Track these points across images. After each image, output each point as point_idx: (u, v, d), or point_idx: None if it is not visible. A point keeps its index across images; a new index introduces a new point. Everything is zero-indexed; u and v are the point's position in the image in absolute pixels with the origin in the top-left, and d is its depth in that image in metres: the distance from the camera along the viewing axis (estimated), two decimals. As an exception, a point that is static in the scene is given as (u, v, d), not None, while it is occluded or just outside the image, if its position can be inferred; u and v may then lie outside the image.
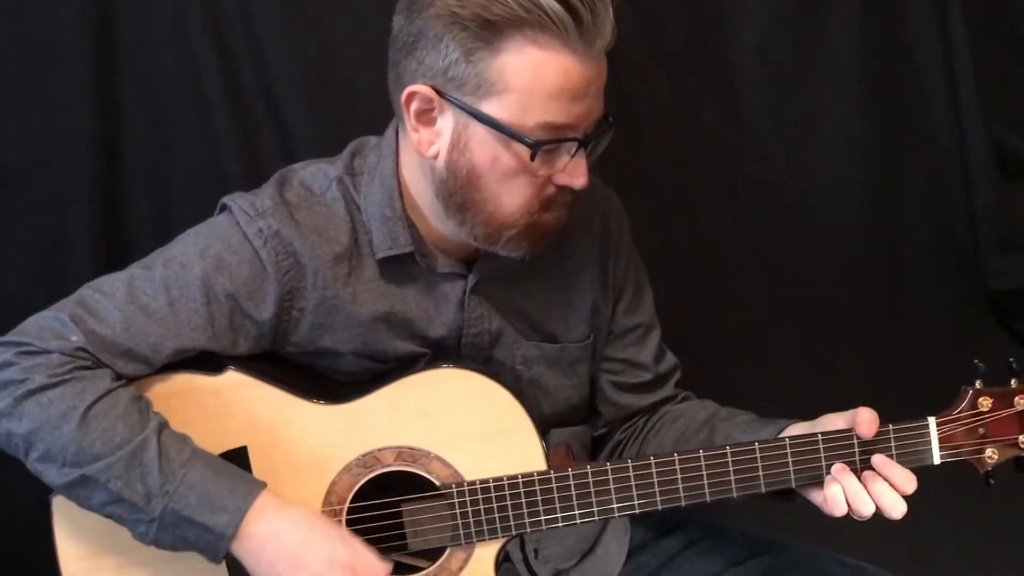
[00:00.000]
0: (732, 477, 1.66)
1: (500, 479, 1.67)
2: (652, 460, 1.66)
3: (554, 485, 1.66)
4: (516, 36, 1.50)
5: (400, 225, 1.69)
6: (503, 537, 1.69)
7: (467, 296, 1.75)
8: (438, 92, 1.57)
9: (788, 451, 1.65)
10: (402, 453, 1.68)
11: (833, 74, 2.64)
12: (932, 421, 1.66)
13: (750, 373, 2.63)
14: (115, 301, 1.63)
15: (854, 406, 1.70)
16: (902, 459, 1.64)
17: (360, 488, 1.69)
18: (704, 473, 1.66)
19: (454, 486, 1.67)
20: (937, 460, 1.67)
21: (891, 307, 2.74)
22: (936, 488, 1.72)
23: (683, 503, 1.67)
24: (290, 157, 2.30)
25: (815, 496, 1.67)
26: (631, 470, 1.66)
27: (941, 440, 1.66)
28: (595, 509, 1.67)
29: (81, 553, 1.68)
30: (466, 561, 1.70)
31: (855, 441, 1.65)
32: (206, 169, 2.38)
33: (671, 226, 2.57)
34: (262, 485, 1.61)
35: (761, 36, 2.58)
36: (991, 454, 1.67)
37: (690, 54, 2.56)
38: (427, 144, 1.62)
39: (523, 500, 1.67)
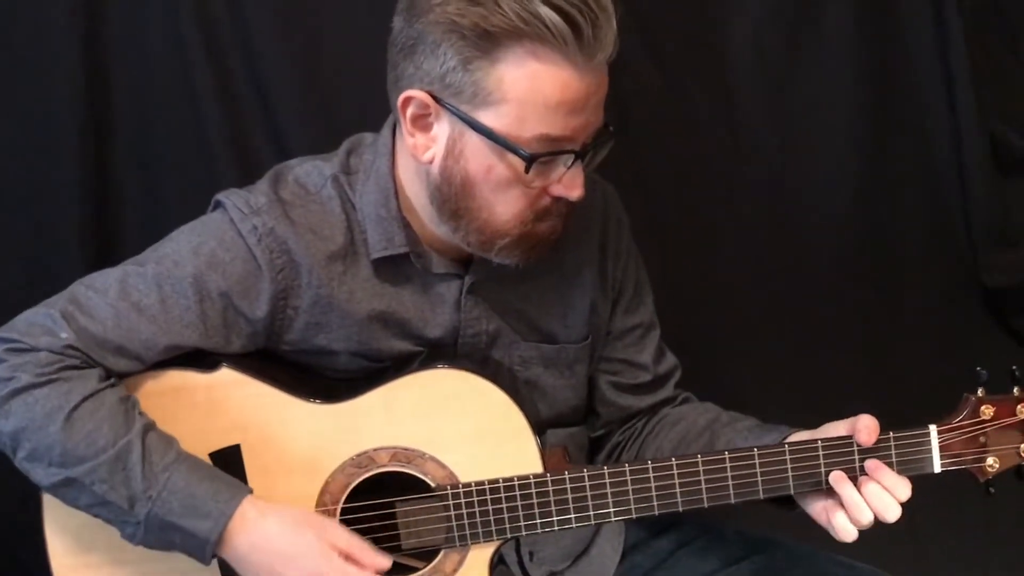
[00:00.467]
0: (730, 483, 1.65)
1: (496, 481, 1.66)
2: (650, 465, 1.65)
3: (550, 488, 1.65)
4: (515, 47, 1.49)
5: (395, 225, 1.68)
6: (498, 539, 1.68)
7: (463, 297, 1.74)
8: (435, 98, 1.55)
9: (787, 457, 1.64)
10: (397, 453, 1.67)
11: (828, 70, 2.62)
12: (933, 429, 1.65)
13: (745, 370, 2.63)
14: (107, 298, 1.61)
15: (849, 404, 1.70)
16: (902, 467, 1.64)
17: (354, 488, 1.68)
18: (702, 478, 1.65)
19: (449, 487, 1.66)
20: (938, 468, 1.65)
21: (887, 304, 2.72)
22: (935, 491, 1.72)
23: (680, 508, 1.66)
24: (281, 153, 2.28)
25: (816, 512, 1.66)
26: (628, 475, 1.65)
27: (942, 448, 1.65)
28: (591, 513, 1.66)
29: (72, 549, 1.67)
30: (460, 563, 1.69)
31: (855, 448, 1.63)
32: (197, 166, 2.36)
33: (665, 223, 2.56)
34: (246, 490, 1.60)
35: (755, 31, 2.55)
36: (992, 463, 1.66)
37: (683, 49, 2.54)
38: (423, 149, 1.60)
39: (519, 503, 1.66)
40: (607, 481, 1.65)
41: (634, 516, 1.66)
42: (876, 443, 1.63)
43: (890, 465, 1.63)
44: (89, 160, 2.33)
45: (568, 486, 1.65)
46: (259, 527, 1.58)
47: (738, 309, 2.65)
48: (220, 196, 1.70)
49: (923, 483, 1.65)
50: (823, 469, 1.64)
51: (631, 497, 1.65)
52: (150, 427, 1.59)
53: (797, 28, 2.58)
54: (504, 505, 1.66)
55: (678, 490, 1.65)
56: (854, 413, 1.67)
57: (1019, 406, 1.65)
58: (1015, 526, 2.58)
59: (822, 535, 1.69)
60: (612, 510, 1.66)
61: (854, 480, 1.62)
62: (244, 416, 1.67)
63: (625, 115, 2.40)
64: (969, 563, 2.57)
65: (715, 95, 2.57)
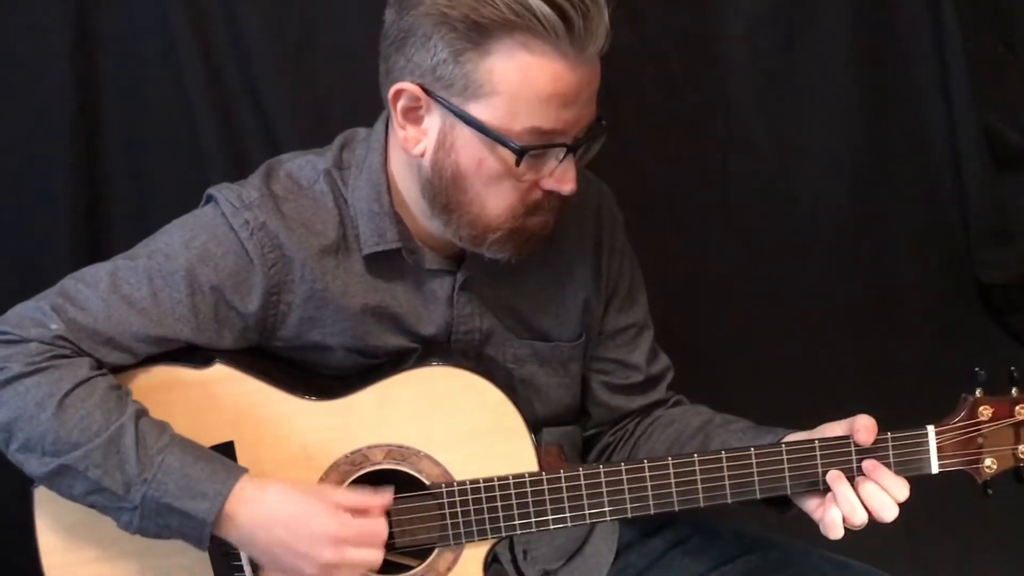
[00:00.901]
0: (727, 482, 1.65)
1: (491, 479, 1.65)
2: (646, 463, 1.64)
3: (546, 487, 1.65)
4: (505, 39, 1.48)
5: (388, 221, 1.67)
6: (493, 538, 1.67)
7: (456, 293, 1.73)
8: (425, 91, 1.55)
9: (784, 457, 1.64)
10: (391, 451, 1.66)
11: (822, 65, 2.61)
12: (931, 429, 1.65)
13: (740, 368, 2.63)
14: (98, 291, 1.61)
15: (845, 402, 1.70)
16: (900, 467, 1.63)
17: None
18: (699, 478, 1.64)
19: (444, 485, 1.66)
20: (935, 469, 1.65)
21: (881, 300, 2.72)
22: (932, 492, 1.71)
23: (676, 508, 1.65)
24: (272, 148, 2.27)
25: (811, 508, 1.66)
26: (624, 473, 1.64)
27: (940, 449, 1.64)
28: (586, 512, 1.66)
29: (63, 546, 1.66)
30: (454, 561, 1.69)
31: (852, 448, 1.63)
32: (188, 161, 2.35)
33: (659, 220, 2.55)
34: (243, 469, 1.58)
35: (749, 26, 2.55)
36: (990, 464, 1.65)
37: (677, 44, 2.53)
38: (413, 142, 1.60)
39: (514, 501, 1.65)
40: (603, 480, 1.64)
41: (630, 516, 1.66)
42: (874, 443, 1.62)
43: (888, 466, 1.62)
44: (80, 156, 2.32)
45: (563, 485, 1.65)
46: (261, 503, 1.56)
47: (732, 308, 2.65)
48: (212, 190, 1.70)
49: (920, 483, 1.65)
50: (820, 470, 1.63)
51: (627, 496, 1.65)
52: (143, 412, 1.58)
53: (791, 23, 2.57)
54: (499, 504, 1.65)
55: (674, 490, 1.64)
56: (850, 413, 1.67)
57: (1017, 407, 1.65)
58: (1012, 527, 2.58)
59: (817, 535, 1.69)
60: (607, 509, 1.65)
61: (851, 481, 1.61)
62: (238, 413, 1.65)
63: (619, 110, 2.40)
64: (965, 564, 2.57)
65: (709, 90, 2.57)
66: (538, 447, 1.67)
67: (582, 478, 1.64)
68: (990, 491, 1.67)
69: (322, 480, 1.66)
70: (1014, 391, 1.66)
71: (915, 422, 1.66)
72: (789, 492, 1.65)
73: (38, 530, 1.66)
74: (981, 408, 1.65)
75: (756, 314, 2.65)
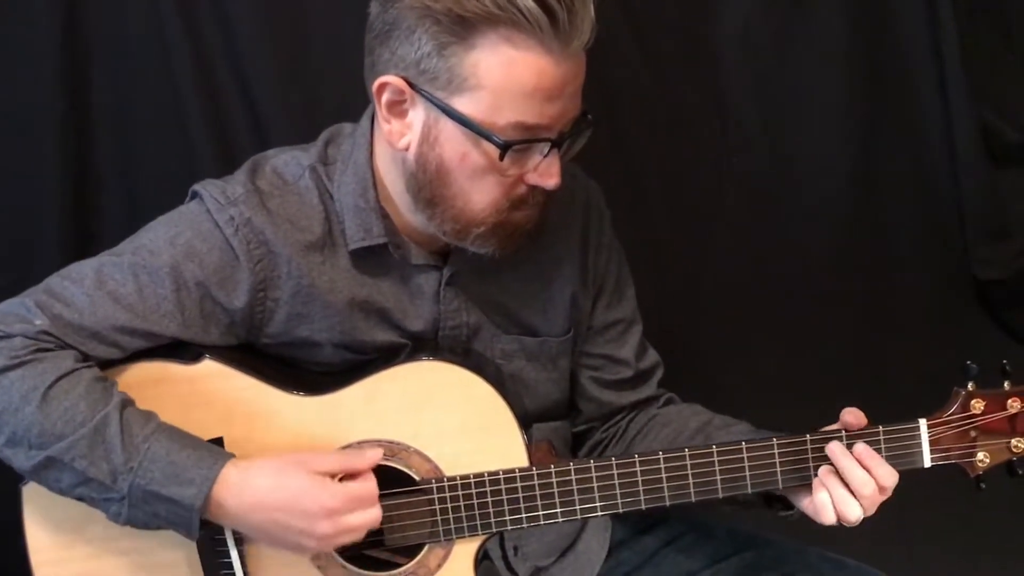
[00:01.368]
0: (718, 477, 1.64)
1: (481, 475, 1.64)
2: (636, 458, 1.64)
3: (536, 483, 1.64)
4: (490, 33, 1.48)
5: (373, 216, 1.67)
6: (483, 534, 1.67)
7: (442, 289, 1.73)
8: (410, 84, 1.54)
9: (776, 451, 1.63)
10: (381, 447, 1.65)
11: (818, 60, 2.62)
12: (923, 423, 1.64)
13: (733, 364, 2.63)
14: (83, 287, 1.60)
15: (839, 397, 1.69)
16: (892, 461, 1.62)
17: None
18: (690, 472, 1.64)
19: (434, 481, 1.65)
20: (928, 463, 1.65)
21: (878, 298, 2.72)
22: (925, 488, 1.70)
23: (667, 503, 1.65)
24: (262, 144, 2.27)
25: (803, 502, 1.65)
26: (615, 468, 1.64)
27: (932, 442, 1.64)
28: (577, 508, 1.65)
29: (51, 544, 1.65)
30: (445, 558, 1.68)
31: (843, 437, 1.63)
32: (178, 158, 2.35)
33: (653, 217, 2.55)
34: (228, 455, 1.57)
35: (745, 22, 2.55)
36: (983, 458, 1.65)
37: (672, 41, 2.53)
38: (398, 135, 1.59)
39: (504, 497, 1.64)
40: (593, 475, 1.64)
41: (621, 511, 1.65)
42: (866, 437, 1.62)
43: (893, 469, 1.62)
44: (69, 152, 2.32)
45: (554, 480, 1.64)
46: (247, 487, 1.55)
47: (729, 305, 2.65)
48: (197, 187, 1.69)
49: (913, 479, 1.64)
50: (811, 464, 1.63)
51: (617, 491, 1.64)
52: (128, 402, 1.57)
53: (787, 19, 2.58)
54: (489, 499, 1.64)
55: (665, 484, 1.64)
56: (845, 406, 1.66)
57: (1010, 400, 1.64)
58: (1006, 522, 2.57)
59: (812, 535, 1.69)
60: (598, 505, 1.65)
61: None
62: (227, 409, 1.65)
63: (613, 108, 2.39)
64: (959, 559, 2.56)
65: (704, 87, 2.57)
66: (528, 442, 1.66)
67: (573, 473, 1.64)
68: (983, 485, 1.66)
69: (312, 477, 1.65)
70: (1006, 384, 1.65)
71: (911, 418, 1.65)
72: (781, 487, 1.65)
73: (26, 528, 1.65)
74: (973, 401, 1.64)
75: (753, 311, 2.65)
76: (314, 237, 1.66)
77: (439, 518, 1.65)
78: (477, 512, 1.65)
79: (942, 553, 2.57)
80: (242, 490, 1.54)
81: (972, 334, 2.72)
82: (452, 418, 1.65)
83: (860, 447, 1.61)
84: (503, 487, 1.64)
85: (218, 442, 1.64)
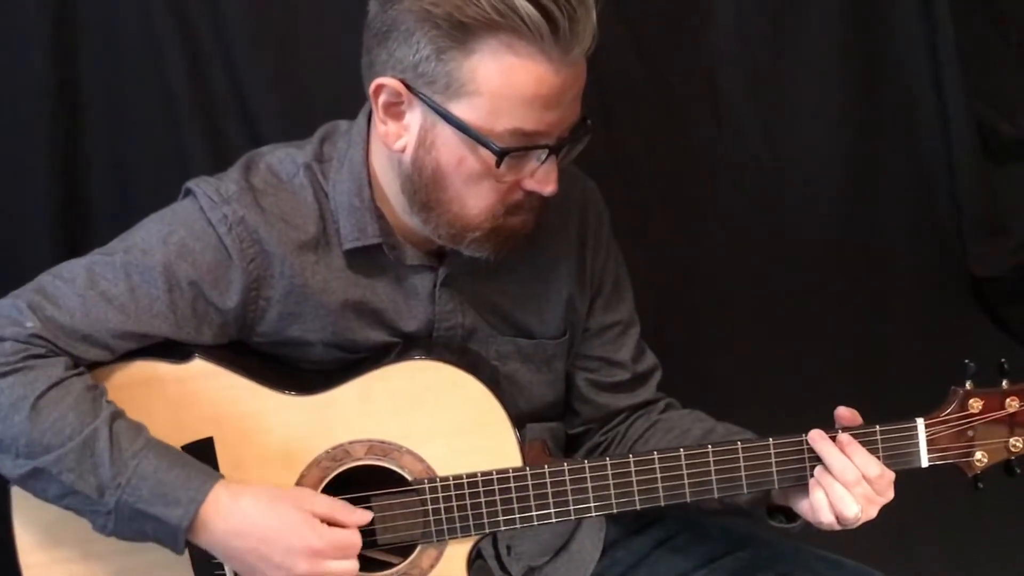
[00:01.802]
0: (714, 477, 1.63)
1: (474, 475, 1.63)
2: (631, 458, 1.63)
3: (530, 483, 1.63)
4: (489, 39, 1.46)
5: (368, 216, 1.66)
6: (476, 535, 1.66)
7: (437, 290, 1.72)
8: (407, 87, 1.53)
9: (771, 451, 1.63)
10: (373, 446, 1.65)
11: (812, 57, 2.60)
12: (920, 422, 1.64)
13: (730, 363, 2.62)
14: (74, 287, 1.59)
15: (835, 396, 1.69)
16: (889, 461, 1.62)
17: (329, 482, 1.65)
18: (685, 472, 1.63)
19: (426, 481, 1.64)
20: (925, 463, 1.64)
21: (873, 295, 2.71)
22: (923, 488, 1.70)
23: (662, 503, 1.64)
24: (254, 141, 2.25)
25: (802, 506, 1.65)
26: (609, 468, 1.63)
27: (929, 442, 1.63)
28: (571, 507, 1.64)
29: (40, 545, 1.65)
30: (437, 559, 1.67)
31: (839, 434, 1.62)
32: (169, 153, 2.34)
33: (647, 213, 2.54)
34: (218, 476, 1.57)
35: (738, 18, 2.53)
36: (980, 457, 1.64)
37: (665, 38, 2.52)
38: (394, 137, 1.58)
39: (497, 497, 1.64)
40: (587, 475, 1.63)
41: (615, 511, 1.65)
42: (862, 437, 1.61)
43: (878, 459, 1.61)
44: (59, 152, 2.30)
45: (548, 480, 1.63)
46: (235, 512, 1.54)
47: (724, 302, 2.64)
48: (190, 184, 1.68)
49: (912, 482, 1.64)
50: (808, 464, 1.62)
51: (612, 492, 1.64)
52: (118, 414, 1.56)
53: (781, 15, 2.56)
54: (482, 499, 1.64)
55: (660, 484, 1.63)
56: (842, 405, 1.66)
57: (1008, 399, 1.64)
58: (1004, 522, 2.57)
59: (809, 535, 1.69)
60: (592, 505, 1.64)
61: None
62: (217, 408, 1.64)
63: (606, 106, 2.39)
64: (956, 559, 2.56)
65: (698, 84, 2.56)
66: (522, 442, 1.65)
67: (567, 473, 1.63)
68: (980, 485, 1.66)
69: (303, 475, 1.64)
70: (1004, 383, 1.65)
71: (909, 417, 1.65)
72: (777, 487, 1.64)
73: (15, 529, 1.64)
74: (971, 401, 1.63)
75: (747, 309, 2.65)
76: (308, 236, 1.65)
77: (431, 518, 1.64)
78: (470, 512, 1.64)
79: (940, 553, 2.58)
80: (230, 513, 1.54)
81: (969, 331, 2.71)
82: (445, 417, 1.65)
83: (842, 436, 1.61)
84: (496, 487, 1.63)
85: (208, 442, 1.63)
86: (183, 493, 1.52)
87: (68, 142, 2.30)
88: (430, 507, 1.64)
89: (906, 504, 1.67)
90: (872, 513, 1.60)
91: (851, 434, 1.61)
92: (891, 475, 1.61)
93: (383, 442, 1.64)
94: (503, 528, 1.65)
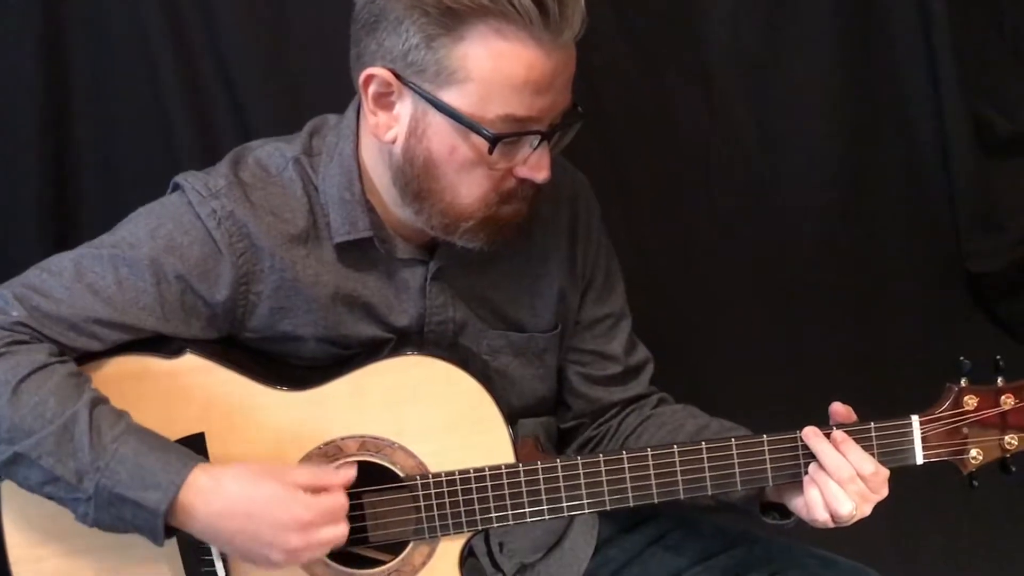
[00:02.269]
0: (707, 474, 1.63)
1: (467, 471, 1.63)
2: (624, 455, 1.63)
3: (523, 479, 1.63)
4: (479, 25, 1.46)
5: (359, 209, 1.65)
6: (468, 531, 1.66)
7: (428, 283, 1.71)
8: (397, 76, 1.53)
9: (766, 448, 1.63)
10: (365, 442, 1.64)
11: (807, 50, 2.59)
12: (915, 419, 1.63)
13: (723, 361, 2.61)
14: (62, 280, 1.58)
15: (831, 392, 1.68)
16: (884, 458, 1.61)
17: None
18: (678, 469, 1.63)
19: (418, 478, 1.63)
20: (920, 460, 1.64)
21: (868, 291, 2.70)
22: (917, 486, 1.70)
23: (656, 500, 1.64)
24: (245, 135, 2.24)
25: (796, 503, 1.64)
26: (602, 464, 1.63)
27: (924, 439, 1.63)
28: (564, 504, 1.64)
29: (28, 541, 1.64)
30: (429, 556, 1.67)
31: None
32: (158, 147, 2.32)
33: (640, 209, 2.53)
34: (198, 459, 1.55)
35: (732, 11, 2.52)
36: (975, 455, 1.64)
37: (658, 30, 2.50)
38: (384, 128, 1.58)
39: (490, 494, 1.63)
40: (580, 472, 1.63)
41: (608, 507, 1.64)
42: (857, 434, 1.61)
43: (872, 456, 1.60)
44: (48, 144, 2.29)
45: (540, 476, 1.63)
46: (217, 494, 1.52)
47: (717, 299, 2.63)
48: (178, 178, 1.67)
49: (905, 477, 1.63)
50: (802, 461, 1.62)
51: (605, 488, 1.63)
52: (100, 400, 1.55)
53: (775, 8, 2.54)
54: (475, 496, 1.63)
55: (653, 481, 1.63)
56: (835, 401, 1.66)
57: (1003, 397, 1.63)
58: (999, 520, 2.57)
59: (803, 533, 1.69)
60: (586, 501, 1.64)
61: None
62: (208, 403, 1.63)
63: (599, 99, 2.37)
64: (951, 557, 2.56)
65: (692, 77, 2.55)
66: (514, 438, 1.65)
67: (559, 469, 1.63)
68: (975, 483, 1.66)
69: (295, 472, 1.64)
70: (999, 380, 1.64)
71: (903, 414, 1.64)
72: (771, 484, 1.64)
73: (4, 523, 1.63)
74: (966, 398, 1.63)
75: (741, 304, 2.64)
76: (297, 230, 1.65)
77: (424, 515, 1.63)
78: (462, 509, 1.63)
79: (935, 551, 2.58)
80: (213, 496, 1.52)
81: (964, 328, 2.70)
82: (437, 414, 1.64)
83: (836, 433, 1.60)
84: (489, 483, 1.63)
85: (199, 438, 1.62)
86: (163, 476, 1.50)
87: (57, 136, 2.28)
88: (422, 503, 1.63)
89: (901, 502, 1.67)
90: (866, 511, 1.60)
91: (845, 431, 1.61)
92: (886, 472, 1.60)
93: (375, 438, 1.63)
94: (495, 525, 1.64)
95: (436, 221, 1.60)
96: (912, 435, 1.62)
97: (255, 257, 1.63)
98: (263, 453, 1.63)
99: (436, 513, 1.63)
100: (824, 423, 1.64)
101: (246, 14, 2.31)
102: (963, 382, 1.64)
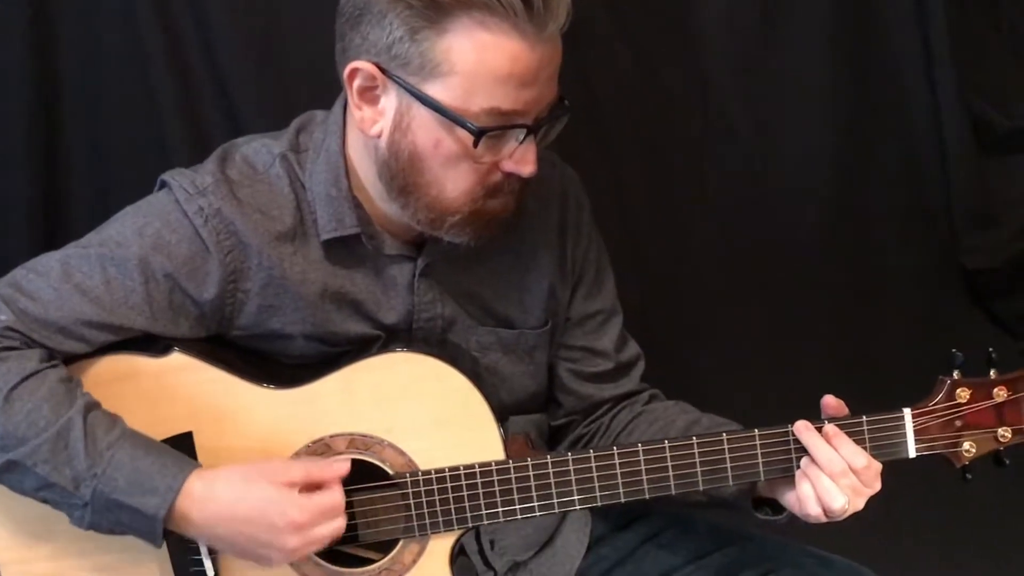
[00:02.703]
0: (699, 469, 1.62)
1: (456, 468, 1.62)
2: (615, 451, 1.62)
3: (513, 476, 1.62)
4: (463, 17, 1.46)
5: (346, 205, 1.64)
6: (459, 529, 1.65)
7: (416, 280, 1.70)
8: (382, 70, 1.53)
9: (757, 443, 1.62)
10: (354, 440, 1.63)
11: (802, 44, 2.60)
12: (907, 412, 1.62)
13: (718, 357, 2.61)
14: (49, 280, 1.58)
15: (827, 388, 1.67)
16: (876, 451, 1.60)
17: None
18: (670, 464, 1.62)
19: (408, 475, 1.63)
20: (912, 453, 1.62)
21: (864, 287, 2.71)
22: (910, 480, 1.69)
23: (647, 496, 1.63)
24: (235, 132, 2.23)
25: (788, 498, 1.63)
26: (593, 460, 1.62)
27: (917, 432, 1.62)
28: (555, 501, 1.63)
29: (16, 543, 1.63)
30: (420, 554, 1.66)
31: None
32: (149, 145, 2.34)
33: (635, 205, 2.54)
34: (194, 464, 1.55)
35: (728, 7, 2.52)
36: (969, 448, 1.63)
37: (654, 26, 2.51)
38: (370, 123, 1.58)
39: (480, 491, 1.62)
40: (571, 468, 1.62)
41: (599, 504, 1.63)
42: (849, 428, 1.60)
43: (864, 450, 1.59)
44: (37, 140, 2.30)
45: (531, 473, 1.62)
46: (211, 499, 1.53)
47: (712, 296, 2.63)
48: (165, 176, 1.66)
49: (898, 471, 1.63)
50: (794, 456, 1.61)
51: (596, 484, 1.62)
52: (93, 405, 1.55)
53: (771, 4, 2.54)
54: (465, 493, 1.62)
55: (644, 477, 1.62)
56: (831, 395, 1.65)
57: (996, 389, 1.62)
58: (992, 514, 2.56)
59: (798, 531, 1.68)
60: (576, 498, 1.63)
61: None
62: (196, 402, 1.63)
63: (593, 94, 2.37)
64: (945, 552, 2.55)
65: (687, 74, 2.55)
66: (504, 435, 1.64)
67: (550, 466, 1.62)
68: (969, 476, 1.64)
69: (284, 471, 1.63)
70: (992, 373, 1.63)
71: (897, 408, 1.63)
72: (763, 479, 1.63)
73: (-7, 524, 1.63)
74: (959, 390, 1.62)
75: (736, 300, 2.64)
76: (285, 227, 1.64)
77: (413, 513, 1.63)
78: (452, 506, 1.62)
79: (929, 548, 2.57)
80: (207, 502, 1.52)
81: (959, 323, 2.71)
82: (427, 411, 1.63)
83: (828, 427, 1.59)
84: (479, 480, 1.62)
85: (188, 437, 1.62)
86: (160, 481, 1.51)
87: (47, 133, 2.29)
88: (412, 501, 1.62)
89: (894, 498, 1.65)
90: (859, 504, 1.59)
91: (837, 425, 1.59)
92: (878, 466, 1.59)
93: (364, 436, 1.63)
94: (486, 522, 1.63)
95: (422, 216, 1.59)
96: (904, 428, 1.61)
97: (243, 255, 1.62)
98: (251, 451, 1.62)
99: (426, 511, 1.62)
100: (816, 417, 1.62)
101: (237, 10, 2.32)
102: (956, 374, 1.63)
